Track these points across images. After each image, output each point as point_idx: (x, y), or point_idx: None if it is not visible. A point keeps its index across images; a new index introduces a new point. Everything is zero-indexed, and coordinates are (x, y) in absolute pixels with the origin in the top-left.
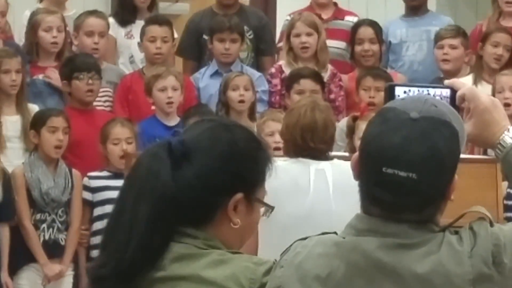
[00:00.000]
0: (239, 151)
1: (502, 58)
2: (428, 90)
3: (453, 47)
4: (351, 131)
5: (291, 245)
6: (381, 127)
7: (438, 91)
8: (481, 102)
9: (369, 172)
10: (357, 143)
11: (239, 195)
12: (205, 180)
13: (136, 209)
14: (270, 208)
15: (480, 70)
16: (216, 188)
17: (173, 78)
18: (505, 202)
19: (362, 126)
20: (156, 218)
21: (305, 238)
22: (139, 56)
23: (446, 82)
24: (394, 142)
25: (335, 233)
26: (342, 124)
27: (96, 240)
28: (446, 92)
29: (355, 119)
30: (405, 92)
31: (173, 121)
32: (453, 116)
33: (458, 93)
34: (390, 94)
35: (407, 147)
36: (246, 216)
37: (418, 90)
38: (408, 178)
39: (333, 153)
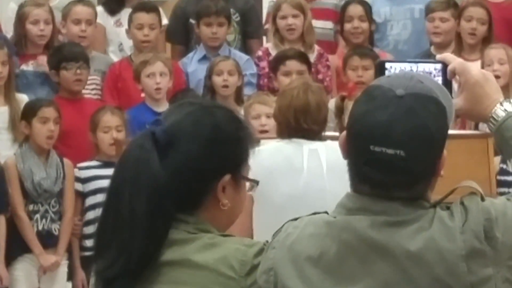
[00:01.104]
0: (223, 133)
1: (477, 32)
2: (419, 66)
3: (443, 19)
4: (340, 111)
5: (282, 226)
6: (367, 105)
7: (430, 66)
8: (472, 76)
9: (357, 151)
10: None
11: (227, 177)
12: (192, 166)
13: (133, 204)
14: (255, 183)
15: (460, 48)
16: (204, 173)
17: (161, 64)
18: (498, 177)
19: (350, 106)
20: (155, 210)
21: (296, 219)
22: (128, 44)
23: (438, 56)
24: (381, 120)
25: (326, 212)
26: (331, 104)
27: (89, 230)
28: (438, 67)
29: (343, 98)
30: (395, 68)
31: (163, 107)
32: (440, 92)
33: (449, 67)
34: (380, 71)
35: (394, 124)
36: (234, 195)
37: (410, 66)
38: (396, 155)
39: (326, 133)
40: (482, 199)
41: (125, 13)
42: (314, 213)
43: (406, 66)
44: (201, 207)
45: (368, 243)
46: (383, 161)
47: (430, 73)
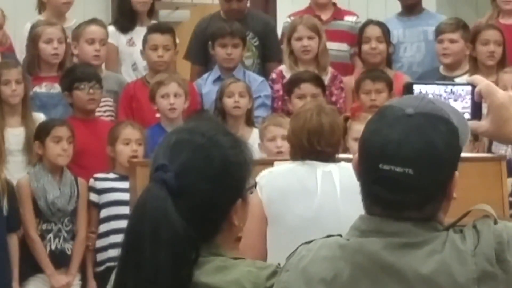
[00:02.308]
0: (232, 164)
1: (496, 54)
2: (448, 88)
3: (452, 41)
4: (343, 131)
5: (296, 249)
6: (377, 124)
7: (459, 88)
8: (497, 98)
9: (367, 170)
10: (351, 144)
11: (239, 201)
12: (208, 202)
13: (156, 259)
14: (254, 186)
15: (475, 71)
16: (220, 206)
17: (175, 84)
18: (511, 199)
19: (355, 127)
20: (179, 262)
21: (310, 242)
22: (142, 63)
23: (468, 79)
24: (390, 138)
25: (340, 235)
26: None
27: (101, 242)
28: (467, 89)
29: (346, 119)
30: (424, 90)
31: None
32: (454, 115)
33: (476, 89)
34: (408, 92)
35: (403, 142)
36: (243, 212)
37: (439, 88)
38: (404, 173)
39: (340, 155)
40: (495, 222)
41: (137, 32)
42: (328, 236)
43: (434, 88)
44: (217, 233)
45: (380, 266)
46: (392, 179)
47: (460, 95)
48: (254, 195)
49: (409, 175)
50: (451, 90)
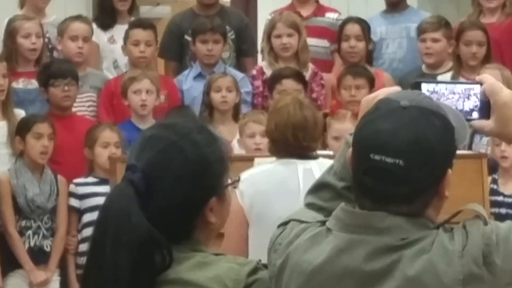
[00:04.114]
0: (204, 162)
1: (478, 55)
2: (456, 87)
3: (435, 40)
4: (323, 127)
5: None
6: (371, 115)
7: (466, 87)
8: (500, 97)
9: (358, 160)
10: (330, 142)
11: (213, 199)
12: (179, 202)
13: (116, 259)
14: (237, 181)
15: (459, 68)
16: (191, 206)
17: (148, 81)
18: (489, 197)
19: (334, 126)
20: (138, 266)
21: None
22: (123, 60)
23: (477, 78)
24: (382, 128)
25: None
26: None
27: (85, 247)
28: (475, 88)
29: (325, 115)
30: (429, 89)
31: (148, 124)
32: (451, 114)
33: (481, 88)
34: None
35: (395, 133)
36: (221, 209)
37: (446, 87)
38: (395, 164)
39: (320, 152)
40: (485, 223)
41: (118, 29)
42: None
43: (442, 87)
44: (192, 231)
45: (366, 274)
46: (382, 170)
47: (469, 94)
48: (234, 199)
49: (400, 166)
50: (460, 89)
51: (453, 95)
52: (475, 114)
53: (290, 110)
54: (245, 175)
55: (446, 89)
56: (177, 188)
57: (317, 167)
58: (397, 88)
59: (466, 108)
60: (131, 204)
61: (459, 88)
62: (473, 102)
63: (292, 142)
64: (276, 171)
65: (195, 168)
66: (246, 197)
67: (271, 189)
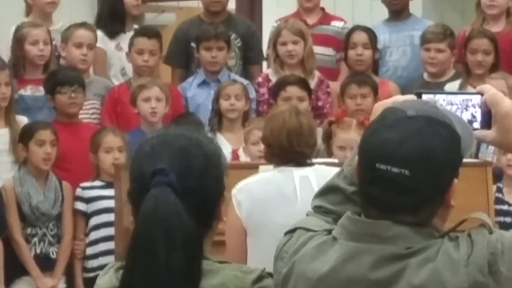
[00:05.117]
0: (217, 159)
1: (484, 63)
2: (457, 97)
3: (439, 50)
4: (327, 135)
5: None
6: (377, 125)
7: (468, 98)
8: (501, 108)
9: (364, 170)
10: (335, 151)
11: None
12: (207, 201)
13: (171, 260)
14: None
15: (467, 76)
16: (215, 201)
17: (157, 89)
18: (494, 206)
19: (339, 134)
20: (193, 261)
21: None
22: (131, 67)
23: (477, 88)
24: (388, 138)
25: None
26: (320, 129)
27: (92, 250)
28: (476, 98)
29: (330, 123)
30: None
31: None
32: (458, 124)
33: (482, 99)
34: None
35: (401, 143)
36: (223, 207)
37: (444, 99)
38: (400, 174)
39: (316, 160)
40: (490, 232)
41: (126, 37)
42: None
43: (444, 98)
44: (208, 233)
45: (371, 282)
46: (388, 180)
47: (469, 104)
48: (231, 210)
49: (406, 176)
50: (461, 99)
51: (451, 106)
52: (475, 125)
53: (286, 116)
54: (241, 185)
55: (444, 100)
56: (204, 187)
57: (313, 174)
58: (412, 96)
59: (464, 119)
60: (177, 205)
61: (457, 99)
62: (471, 113)
63: (286, 147)
64: (272, 179)
65: (211, 166)
66: (243, 207)
67: (268, 197)
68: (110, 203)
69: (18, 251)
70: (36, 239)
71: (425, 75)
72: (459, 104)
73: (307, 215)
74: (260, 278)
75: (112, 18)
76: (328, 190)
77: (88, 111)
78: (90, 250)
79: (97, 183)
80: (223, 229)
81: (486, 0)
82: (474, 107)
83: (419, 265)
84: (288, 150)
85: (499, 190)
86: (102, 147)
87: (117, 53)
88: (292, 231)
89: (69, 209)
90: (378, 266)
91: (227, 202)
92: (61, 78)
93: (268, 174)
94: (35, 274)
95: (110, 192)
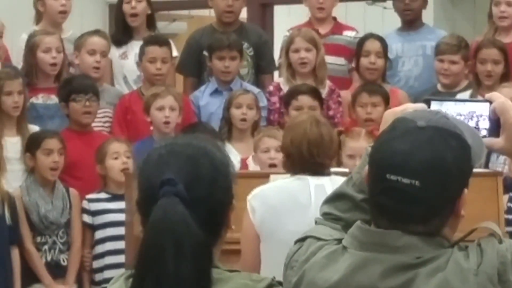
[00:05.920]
0: (225, 167)
1: (493, 73)
2: (466, 104)
3: (454, 62)
4: (338, 146)
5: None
6: (388, 135)
7: (477, 105)
8: (510, 116)
9: (375, 180)
10: (344, 160)
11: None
12: (216, 210)
13: (180, 271)
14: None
15: (477, 86)
16: (224, 210)
17: (171, 98)
18: (506, 216)
19: (348, 144)
20: (202, 271)
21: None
22: (131, 76)
23: (486, 96)
24: (399, 149)
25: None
26: None
27: (97, 264)
28: (485, 106)
29: (340, 133)
30: (442, 107)
31: None
32: (469, 133)
33: (491, 107)
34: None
35: (412, 154)
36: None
37: (455, 104)
38: (411, 185)
39: (333, 169)
40: (500, 242)
41: (131, 45)
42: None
43: (453, 105)
44: (217, 241)
45: None
46: (398, 190)
47: (477, 112)
48: (245, 215)
49: (416, 187)
50: (470, 107)
51: (460, 117)
52: (483, 132)
53: (307, 126)
54: (256, 191)
55: (456, 106)
56: (212, 196)
57: (329, 184)
58: (422, 105)
59: (475, 126)
60: (186, 215)
61: (468, 106)
62: (482, 120)
63: (307, 158)
64: (288, 186)
65: (221, 175)
66: (257, 213)
67: (282, 204)
68: (116, 217)
69: (29, 260)
70: (46, 247)
71: (439, 86)
72: (466, 115)
73: (315, 222)
74: (269, 286)
75: (117, 28)
76: (336, 197)
77: (101, 120)
78: (96, 264)
79: (103, 195)
80: (237, 239)
81: (497, 12)
82: (479, 118)
83: (429, 275)
84: (308, 161)
85: (511, 199)
86: (109, 154)
87: (120, 62)
88: (302, 239)
89: (77, 216)
90: (388, 275)
91: (242, 209)
92: (76, 86)
93: (284, 181)
94: (47, 282)
95: (116, 205)
